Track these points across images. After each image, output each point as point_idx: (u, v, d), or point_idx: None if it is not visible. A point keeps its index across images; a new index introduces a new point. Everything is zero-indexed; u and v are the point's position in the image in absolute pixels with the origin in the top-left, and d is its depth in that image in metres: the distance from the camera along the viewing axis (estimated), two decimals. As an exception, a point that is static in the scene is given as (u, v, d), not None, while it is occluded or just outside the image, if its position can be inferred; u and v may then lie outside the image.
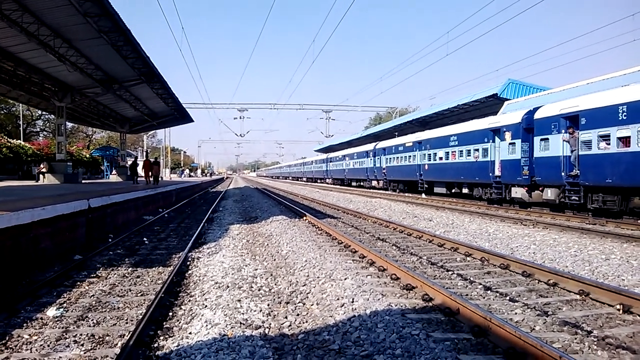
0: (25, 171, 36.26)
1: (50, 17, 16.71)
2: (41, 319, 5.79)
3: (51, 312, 5.97)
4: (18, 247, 8.08)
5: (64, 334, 5.25)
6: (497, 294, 6.74)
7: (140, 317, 5.55)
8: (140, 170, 29.43)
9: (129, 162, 31.68)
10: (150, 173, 28.14)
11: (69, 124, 51.37)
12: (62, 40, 18.71)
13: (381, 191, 37.27)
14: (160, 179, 30.26)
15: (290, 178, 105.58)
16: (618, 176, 14.34)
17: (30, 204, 9.91)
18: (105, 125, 40.89)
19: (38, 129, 69.07)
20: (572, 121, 16.35)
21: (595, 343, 4.80)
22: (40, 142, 49.50)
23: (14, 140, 38.81)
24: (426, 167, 29.39)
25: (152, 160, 31.55)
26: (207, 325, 5.29)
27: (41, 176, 27.84)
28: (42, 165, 28.45)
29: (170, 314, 5.98)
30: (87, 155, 51.25)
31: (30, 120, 64.55)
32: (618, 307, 5.88)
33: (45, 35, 17.85)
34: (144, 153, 70.79)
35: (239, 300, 6.32)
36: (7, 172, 34.10)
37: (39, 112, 59.44)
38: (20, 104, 48.66)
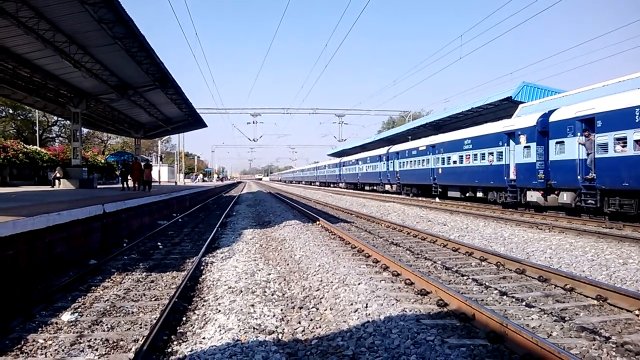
0: (41, 176, 36.62)
1: (65, 23, 16.90)
2: (56, 323, 5.83)
3: (66, 316, 6.01)
4: (33, 252, 8.16)
5: (79, 338, 5.27)
6: (513, 299, 6.66)
7: (154, 321, 5.57)
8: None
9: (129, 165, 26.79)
10: (140, 178, 25.16)
11: (85, 130, 51.93)
12: (77, 46, 18.92)
13: (395, 195, 37.14)
14: (174, 183, 28.72)
15: (303, 182, 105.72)
16: (635, 179, 14.11)
17: (45, 209, 10.01)
18: (120, 130, 41.27)
19: (54, 135, 69.98)
20: (588, 124, 16.16)
21: (614, 349, 4.72)
22: (56, 147, 50.02)
23: (30, 146, 39.20)
24: (440, 171, 29.22)
25: (143, 162, 27.53)
26: (220, 330, 5.29)
27: (57, 181, 28.12)
28: (57, 171, 28.76)
29: (184, 318, 5.98)
30: (102, 161, 51.68)
31: (46, 126, 65.42)
32: (637, 312, 5.78)
33: (61, 42, 18.05)
34: (158, 158, 71.29)
35: (253, 305, 6.31)
36: (23, 178, 34.48)
37: (55, 118, 60.30)
38: (37, 110, 49.38)
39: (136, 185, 25.48)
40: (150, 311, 6.35)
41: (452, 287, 7.04)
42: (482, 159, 23.66)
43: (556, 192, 18.17)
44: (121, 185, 26.28)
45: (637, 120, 13.96)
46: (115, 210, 12.90)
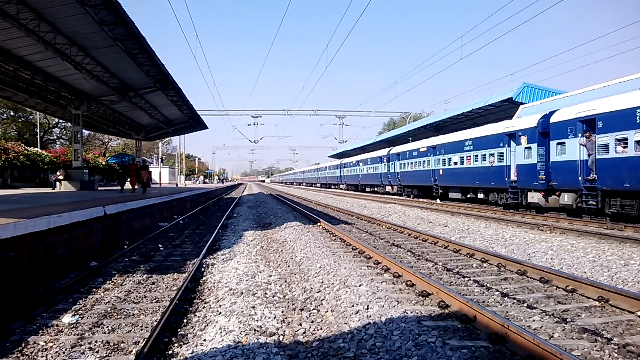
0: (43, 179, 36.60)
1: (66, 26, 16.91)
2: (57, 326, 5.82)
3: (67, 319, 6.00)
4: (35, 254, 8.16)
5: (80, 341, 5.27)
6: (515, 301, 6.64)
7: (155, 324, 5.56)
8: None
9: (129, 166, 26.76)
10: (137, 179, 25.33)
11: (86, 132, 52.05)
12: (78, 48, 18.92)
13: (395, 197, 37.12)
14: (175, 185, 28.46)
15: (304, 184, 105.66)
16: (637, 180, 14.09)
17: (46, 211, 10.01)
18: (121, 133, 41.26)
19: (55, 137, 70.01)
20: (589, 125, 16.14)
21: (616, 351, 4.70)
22: (57, 150, 50.02)
23: (32, 148, 39.25)
24: (441, 172, 29.19)
25: (140, 164, 27.86)
26: (221, 333, 5.28)
27: (58, 184, 28.12)
28: (59, 173, 28.75)
29: (185, 320, 5.97)
30: (103, 163, 51.71)
31: (48, 128, 65.47)
32: (639, 314, 5.76)
33: (62, 44, 18.07)
34: (159, 160, 71.35)
35: (254, 307, 6.30)
36: (24, 180, 34.49)
37: (56, 120, 60.35)
38: (38, 112, 49.45)
39: (135, 187, 25.54)
40: (152, 313, 6.35)
41: (454, 289, 7.02)
42: (483, 160, 23.63)
43: (557, 194, 18.15)
44: (120, 187, 26.28)
45: (638, 122, 13.94)
46: (116, 212, 12.89)
